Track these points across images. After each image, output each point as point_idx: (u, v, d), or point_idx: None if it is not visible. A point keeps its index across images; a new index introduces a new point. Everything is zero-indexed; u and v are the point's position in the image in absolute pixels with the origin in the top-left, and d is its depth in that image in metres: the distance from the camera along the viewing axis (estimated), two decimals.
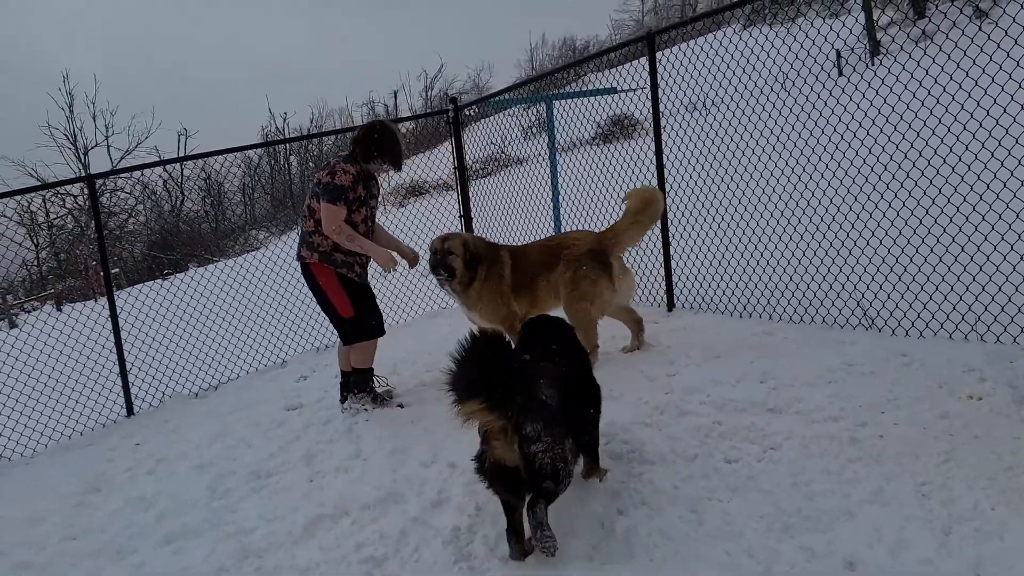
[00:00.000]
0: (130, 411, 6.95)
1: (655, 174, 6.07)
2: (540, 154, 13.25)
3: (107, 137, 39.76)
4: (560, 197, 9.53)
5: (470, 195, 8.19)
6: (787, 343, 5.05)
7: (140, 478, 5.12)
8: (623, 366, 5.12)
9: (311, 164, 41.14)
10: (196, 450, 5.39)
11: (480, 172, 10.88)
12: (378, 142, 5.08)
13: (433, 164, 11.40)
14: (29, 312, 22.38)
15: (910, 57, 5.22)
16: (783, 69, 6.25)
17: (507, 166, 13.51)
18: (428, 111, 39.57)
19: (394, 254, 5.17)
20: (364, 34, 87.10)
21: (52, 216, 35.84)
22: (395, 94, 46.51)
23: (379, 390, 5.40)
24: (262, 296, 8.78)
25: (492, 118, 9.11)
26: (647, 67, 5.99)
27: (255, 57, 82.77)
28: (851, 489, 3.26)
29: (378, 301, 5.43)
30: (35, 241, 34.58)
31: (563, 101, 9.53)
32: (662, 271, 6.24)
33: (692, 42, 6.62)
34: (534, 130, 19.22)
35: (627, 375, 4.94)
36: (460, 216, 8.17)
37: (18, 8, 76.22)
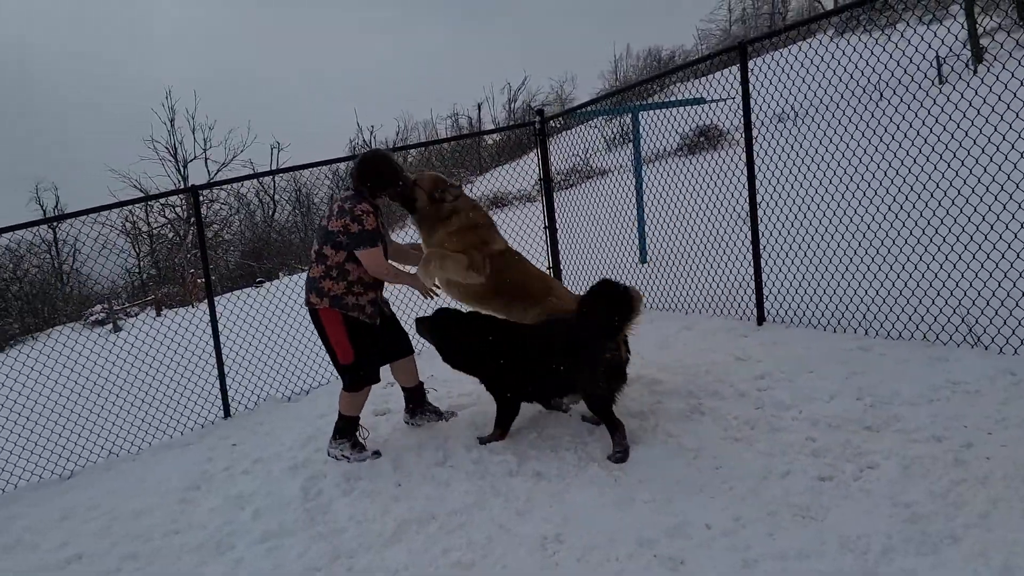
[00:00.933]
0: (227, 413, 7.23)
1: (746, 185, 5.96)
2: (623, 165, 13.22)
3: (205, 150, 41.56)
4: (644, 208, 9.49)
5: (555, 207, 8.21)
6: (884, 359, 4.87)
7: (237, 477, 5.30)
8: (712, 379, 5.04)
9: None
10: (289, 452, 5.55)
11: (563, 183, 10.90)
12: (385, 176, 4.95)
13: (516, 175, 11.51)
14: (131, 317, 23.49)
15: (1020, 64, 4.98)
16: (882, 77, 6.05)
17: (590, 177, 13.51)
18: (512, 123, 39.90)
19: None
20: (449, 48, 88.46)
21: (153, 225, 37.58)
22: (479, 107, 47.05)
23: (360, 437, 5.18)
24: None
25: (575, 129, 9.11)
26: (738, 76, 5.90)
27: (345, 72, 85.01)
28: (956, 512, 3.13)
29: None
30: (137, 249, 36.37)
31: (647, 112, 9.49)
32: (752, 284, 6.11)
33: (784, 50, 6.50)
34: (617, 141, 19.14)
35: (716, 389, 4.86)
36: (545, 227, 8.20)
37: (126, 29, 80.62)
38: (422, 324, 5.10)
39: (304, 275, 5.18)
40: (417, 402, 5.48)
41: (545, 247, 8.26)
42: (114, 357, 7.99)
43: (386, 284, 5.12)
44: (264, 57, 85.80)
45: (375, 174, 4.92)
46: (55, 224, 27.74)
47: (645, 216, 9.50)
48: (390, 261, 5.05)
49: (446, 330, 4.97)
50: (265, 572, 3.88)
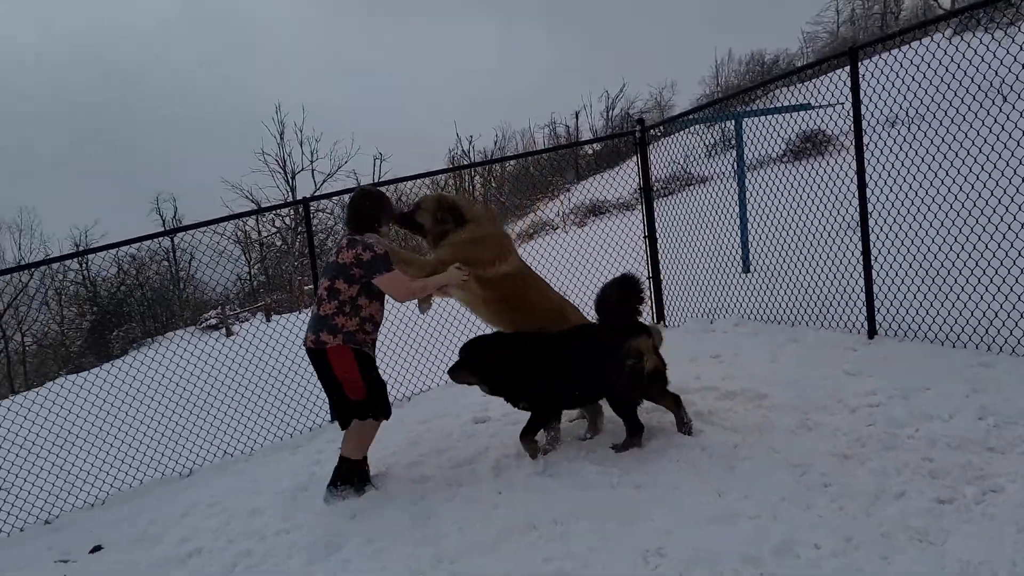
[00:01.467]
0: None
1: (854, 191, 5.76)
2: (723, 172, 12.95)
3: (312, 162, 43.10)
4: (748, 216, 9.29)
5: (655, 216, 8.15)
6: (1009, 376, 4.60)
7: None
8: (821, 393, 4.88)
9: (493, 183, 42.40)
10: (392, 456, 5.70)
11: (661, 191, 10.79)
12: (383, 204, 4.98)
13: (613, 183, 11.46)
14: (243, 322, 24.58)
15: None
16: (1005, 80, 5.74)
17: (689, 185, 13.30)
18: (611, 131, 39.71)
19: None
20: (547, 57, 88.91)
21: (263, 235, 39.21)
22: (576, 115, 46.99)
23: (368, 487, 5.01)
24: (448, 314, 9.10)
25: (674, 136, 9.02)
26: (845, 80, 5.72)
27: (446, 83, 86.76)
28: None
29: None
30: (248, 257, 38.01)
31: (750, 118, 9.28)
32: (863, 296, 5.88)
33: (897, 51, 6.24)
34: (718, 148, 18.78)
35: (824, 404, 4.72)
36: (645, 236, 8.15)
37: (239, 47, 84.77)
38: (463, 365, 4.93)
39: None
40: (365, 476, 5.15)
41: (645, 256, 8.20)
42: (228, 360, 8.38)
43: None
44: (368, 70, 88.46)
45: (374, 205, 4.93)
46: (173, 235, 29.38)
47: (748, 224, 9.30)
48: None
49: (490, 357, 4.87)
50: (372, 573, 4.00)
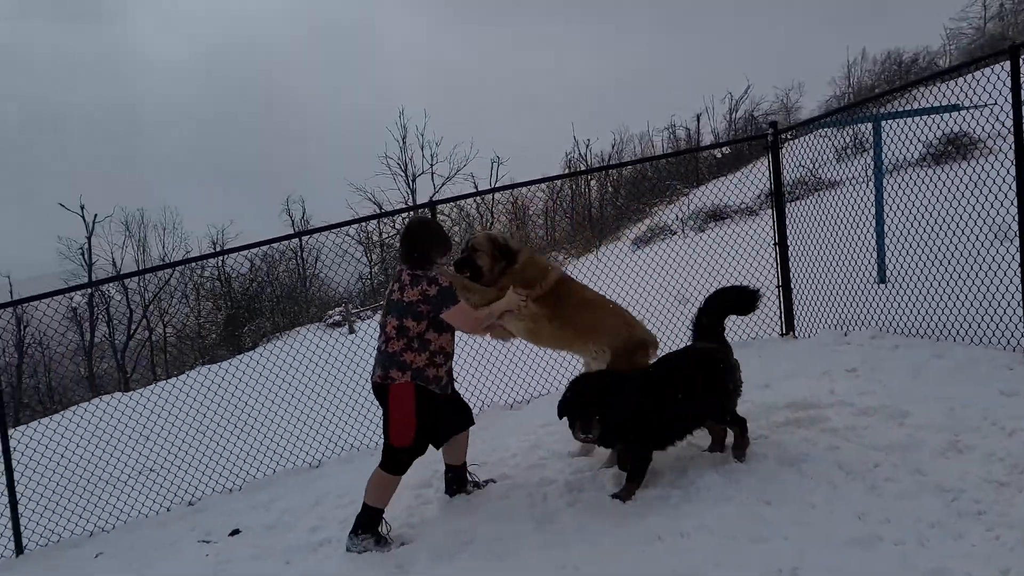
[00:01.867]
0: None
1: (1014, 201, 5.36)
2: (855, 177, 12.34)
3: (432, 165, 44.04)
4: (884, 222, 8.82)
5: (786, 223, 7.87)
6: None
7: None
8: (972, 413, 4.56)
9: (610, 187, 42.12)
10: (513, 458, 5.74)
11: (788, 196, 10.41)
12: (435, 243, 4.83)
13: (737, 188, 11.12)
14: (364, 320, 25.38)
15: None
16: None
17: (818, 189, 12.77)
18: (735, 135, 38.65)
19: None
20: (668, 58, 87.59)
21: (384, 236, 40.38)
22: (697, 118, 45.88)
23: (383, 532, 4.78)
24: None
25: (803, 139, 8.66)
26: (996, 79, 5.34)
27: (563, 86, 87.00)
28: None
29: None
30: (369, 257, 39.22)
31: (886, 120, 8.81)
32: (1019, 310, 5.47)
33: None
34: (849, 151, 17.94)
35: (976, 425, 4.40)
36: (775, 243, 7.87)
37: (362, 54, 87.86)
38: (580, 407, 4.52)
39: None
40: (460, 482, 5.18)
41: (774, 264, 7.93)
42: (352, 356, 8.65)
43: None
44: (485, 74, 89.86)
45: (430, 236, 4.83)
46: (304, 236, 30.71)
47: (884, 230, 8.84)
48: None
49: (609, 396, 4.48)
50: (496, 574, 4.03)
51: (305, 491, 6.22)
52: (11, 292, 33.39)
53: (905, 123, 7.47)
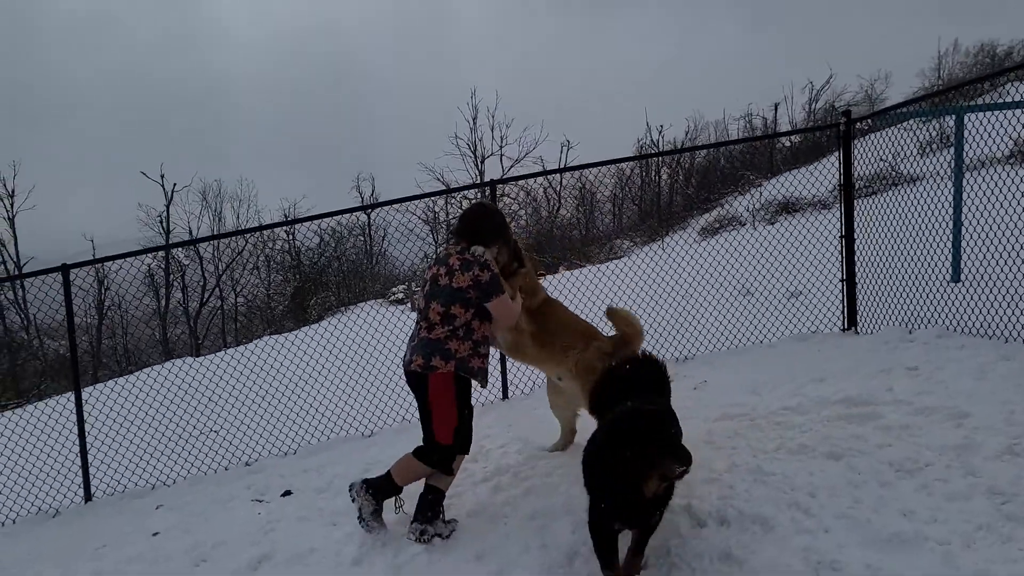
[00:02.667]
0: (505, 395, 7.72)
1: None
2: (939, 172, 11.90)
3: (501, 147, 44.02)
4: (963, 222, 8.49)
5: (854, 215, 7.66)
6: None
7: (511, 455, 5.62)
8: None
9: (680, 177, 41.51)
10: (556, 438, 5.75)
11: (865, 190, 10.11)
12: (501, 225, 4.76)
13: (811, 180, 10.84)
14: None
15: None
16: None
17: (897, 184, 12.34)
18: (812, 124, 37.60)
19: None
20: (747, 46, 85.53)
21: (450, 215, 40.74)
22: (775, 107, 44.65)
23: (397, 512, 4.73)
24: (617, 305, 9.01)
25: (883, 132, 8.37)
26: None
27: (638, 71, 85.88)
28: None
29: None
30: (435, 237, 39.63)
31: (972, 114, 8.44)
32: None
33: None
34: (934, 146, 17.29)
35: None
36: (841, 237, 7.68)
37: (437, 37, 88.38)
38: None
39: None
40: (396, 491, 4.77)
41: (840, 258, 7.74)
42: (410, 332, 8.80)
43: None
44: (558, 57, 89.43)
45: (493, 223, 4.72)
46: (369, 211, 31.17)
47: (963, 229, 8.51)
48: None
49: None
50: (534, 547, 4.09)
51: (356, 458, 6.39)
52: (94, 255, 34.86)
53: (993, 117, 7.15)
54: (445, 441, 4.49)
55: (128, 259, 7.66)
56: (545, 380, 5.44)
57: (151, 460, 7.25)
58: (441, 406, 4.49)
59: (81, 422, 6.99)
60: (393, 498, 4.68)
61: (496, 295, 4.48)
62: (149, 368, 14.58)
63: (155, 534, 5.52)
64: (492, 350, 5.01)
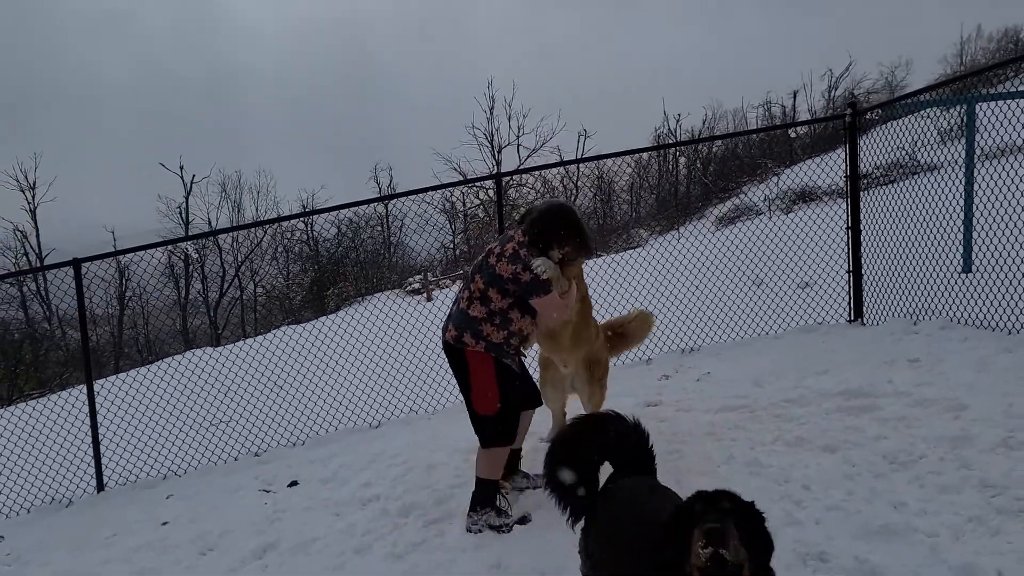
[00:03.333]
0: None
1: None
2: (957, 161, 11.78)
3: (518, 137, 43.98)
4: (975, 212, 8.41)
5: (861, 205, 7.62)
6: None
7: None
8: None
9: (699, 164, 41.28)
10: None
11: (881, 179, 10.03)
12: (560, 232, 4.44)
13: (827, 169, 10.77)
14: (443, 288, 25.81)
15: None
16: None
17: (915, 173, 12.22)
18: (826, 114, 37.24)
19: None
20: (766, 32, 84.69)
21: (467, 206, 40.76)
22: (794, 95, 44.30)
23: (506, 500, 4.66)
24: (629, 296, 9.02)
25: (903, 120, 8.29)
26: None
27: (655, 60, 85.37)
28: None
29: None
30: (452, 227, 39.70)
31: (989, 103, 8.34)
32: None
33: None
34: (954, 134, 17.09)
35: None
36: (847, 227, 7.65)
37: (454, 24, 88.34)
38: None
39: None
40: (512, 467, 4.86)
41: (846, 248, 7.72)
42: (426, 323, 8.89)
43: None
44: (577, 47, 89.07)
45: (559, 229, 4.44)
46: (386, 202, 31.32)
47: (975, 220, 8.43)
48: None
49: None
50: (533, 536, 4.15)
51: (362, 449, 6.48)
52: (114, 246, 35.29)
53: (1011, 106, 7.05)
54: (485, 412, 4.44)
55: (148, 251, 7.79)
56: (540, 371, 5.34)
57: (163, 451, 7.40)
58: (483, 381, 4.44)
59: (93, 413, 7.14)
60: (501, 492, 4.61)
61: (538, 294, 4.34)
62: (169, 358, 14.81)
63: (164, 523, 5.65)
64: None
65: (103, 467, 7.13)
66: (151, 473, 7.14)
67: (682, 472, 4.51)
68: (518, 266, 4.29)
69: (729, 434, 4.96)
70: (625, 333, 5.46)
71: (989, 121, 7.16)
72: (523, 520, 4.43)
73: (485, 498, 4.48)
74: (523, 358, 4.76)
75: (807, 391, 5.53)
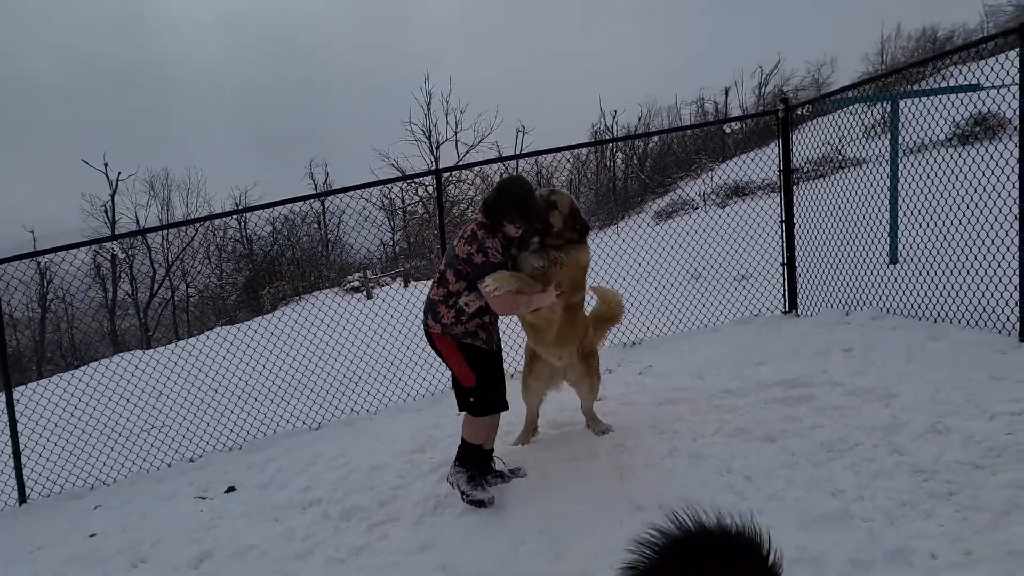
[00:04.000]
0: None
1: (1016, 184, 5.28)
2: (882, 155, 12.16)
3: (456, 133, 43.74)
4: (900, 204, 8.69)
5: (794, 199, 7.79)
6: None
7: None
8: (959, 396, 4.51)
9: (635, 161, 41.75)
10: (506, 426, 5.74)
11: (811, 174, 10.28)
12: (505, 207, 4.38)
13: (760, 164, 11.01)
14: (383, 286, 25.55)
15: None
16: None
17: (843, 168, 12.59)
18: (758, 110, 38.08)
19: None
20: (699, 30, 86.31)
21: (406, 203, 40.42)
22: (726, 91, 45.22)
23: (498, 469, 4.77)
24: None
25: (830, 116, 8.51)
26: (1017, 63, 5.23)
27: (591, 57, 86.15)
28: None
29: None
30: (391, 224, 39.33)
31: (912, 99, 8.62)
32: (1016, 294, 5.40)
33: None
34: (878, 129, 17.67)
35: (961, 408, 4.36)
36: (781, 221, 7.82)
37: (392, 18, 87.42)
38: None
39: None
40: (483, 467, 4.72)
41: (780, 241, 7.88)
42: (367, 322, 8.75)
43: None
44: (512, 42, 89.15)
45: (508, 201, 4.38)
46: (323, 198, 30.85)
47: (900, 212, 8.72)
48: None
49: None
50: (479, 536, 4.11)
51: (302, 452, 6.34)
52: (34, 246, 33.86)
53: (933, 102, 7.31)
54: (469, 384, 4.51)
55: (71, 251, 7.45)
56: (524, 362, 5.27)
57: (90, 459, 7.08)
58: (453, 360, 4.52)
59: (13, 422, 6.79)
60: (492, 460, 4.73)
61: (483, 280, 4.30)
62: (96, 362, 14.28)
63: (93, 535, 5.41)
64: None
65: (25, 478, 6.79)
66: (77, 483, 6.83)
67: (626, 466, 4.54)
68: (473, 247, 4.31)
69: (671, 426, 5.01)
70: (605, 319, 5.45)
71: (912, 117, 7.38)
72: (490, 501, 4.44)
73: (465, 457, 4.58)
74: (489, 346, 4.56)
75: (745, 382, 5.63)
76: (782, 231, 7.83)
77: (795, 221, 7.76)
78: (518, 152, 39.71)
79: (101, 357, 19.18)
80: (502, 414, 4.72)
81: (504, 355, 4.88)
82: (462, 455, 4.61)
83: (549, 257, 4.58)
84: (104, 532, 5.41)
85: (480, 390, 4.52)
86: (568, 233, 4.69)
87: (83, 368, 13.74)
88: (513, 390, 4.89)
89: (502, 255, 4.40)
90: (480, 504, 4.44)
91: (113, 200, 40.12)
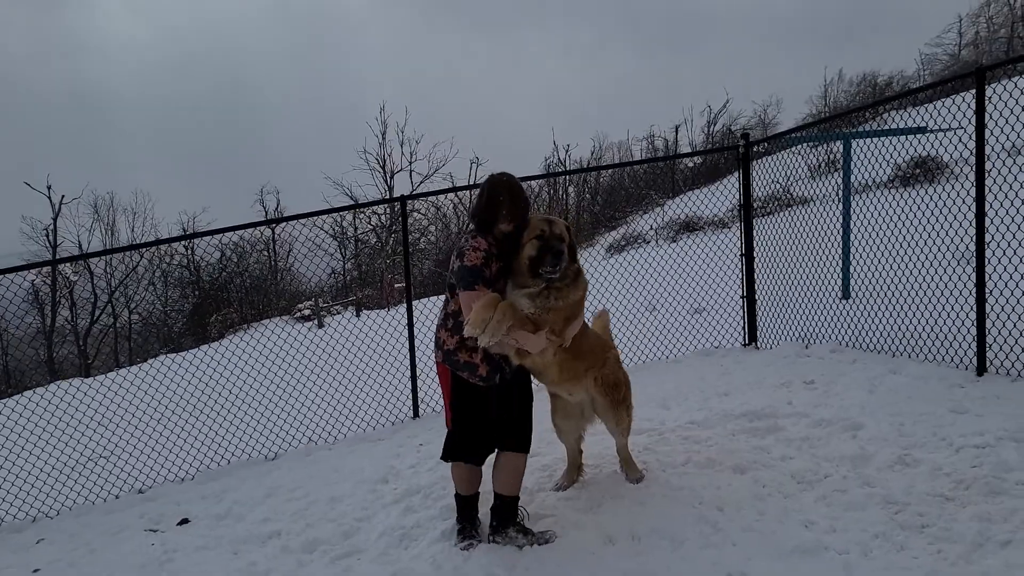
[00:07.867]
0: (416, 413, 7.57)
1: (972, 222, 5.46)
2: (827, 195, 12.52)
3: (411, 163, 43.86)
4: (851, 241, 8.93)
5: (754, 232, 7.94)
6: None
7: (422, 475, 5.50)
8: (922, 429, 4.60)
9: (587, 195, 42.25)
10: (543, 469, 5.53)
11: (760, 210, 10.52)
12: (490, 205, 4.00)
13: (711, 200, 11.21)
14: (334, 315, 25.20)
15: None
16: None
17: (790, 205, 12.93)
18: (711, 147, 38.97)
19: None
20: (648, 70, 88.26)
21: (358, 231, 40.15)
22: (676, 129, 46.29)
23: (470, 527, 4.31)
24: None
25: (777, 155, 8.75)
26: (965, 105, 5.44)
27: (544, 92, 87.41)
28: None
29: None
30: (343, 252, 38.99)
31: (858, 140, 8.92)
32: (973, 330, 5.56)
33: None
34: (822, 169, 18.22)
35: (925, 440, 4.45)
36: (742, 255, 7.94)
37: (344, 47, 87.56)
38: None
39: None
40: (502, 519, 4.17)
41: (740, 275, 8.00)
42: (318, 351, 8.60)
43: None
44: (468, 75, 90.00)
45: (479, 207, 4.06)
46: (274, 225, 30.42)
47: (851, 249, 8.95)
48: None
49: None
50: (447, 570, 4.00)
51: (259, 483, 6.14)
52: None
53: (876, 144, 7.57)
54: (448, 425, 4.22)
55: (8, 275, 7.15)
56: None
57: (32, 490, 6.73)
58: (444, 393, 4.18)
59: None
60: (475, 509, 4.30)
61: (461, 288, 3.88)
62: (31, 391, 13.69)
63: (36, 571, 5.12)
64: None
65: None
66: (18, 515, 6.49)
67: (596, 497, 4.49)
68: (454, 254, 3.98)
69: (640, 457, 4.97)
70: None
71: (859, 158, 7.63)
72: (468, 547, 4.12)
73: (504, 517, 4.12)
74: (494, 378, 4.04)
75: (711, 413, 5.66)
76: (742, 264, 7.96)
77: (755, 255, 7.89)
78: (471, 183, 39.92)
79: (36, 386, 18.45)
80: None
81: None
82: (502, 516, 4.10)
83: (538, 305, 3.93)
84: (49, 568, 5.11)
85: (451, 435, 4.19)
86: (571, 269, 4.07)
87: (16, 397, 13.17)
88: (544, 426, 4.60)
89: (485, 254, 3.89)
90: (536, 537, 4.07)
91: (55, 224, 39.02)
